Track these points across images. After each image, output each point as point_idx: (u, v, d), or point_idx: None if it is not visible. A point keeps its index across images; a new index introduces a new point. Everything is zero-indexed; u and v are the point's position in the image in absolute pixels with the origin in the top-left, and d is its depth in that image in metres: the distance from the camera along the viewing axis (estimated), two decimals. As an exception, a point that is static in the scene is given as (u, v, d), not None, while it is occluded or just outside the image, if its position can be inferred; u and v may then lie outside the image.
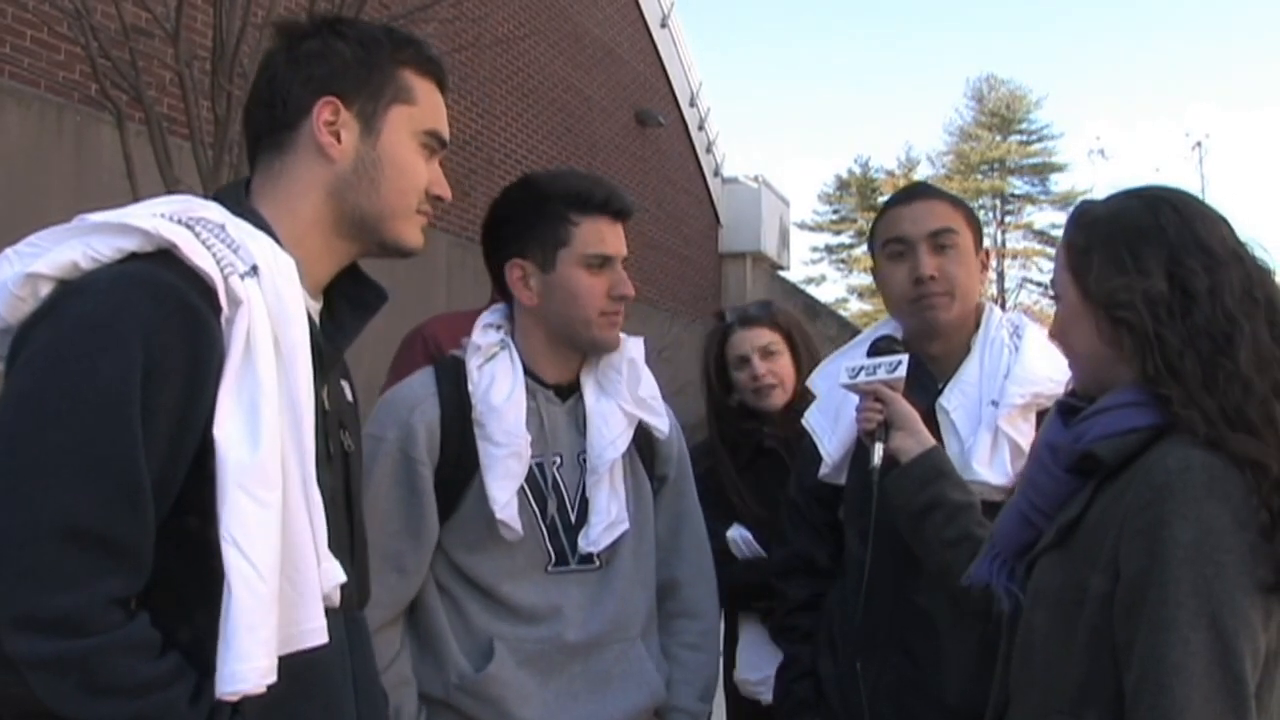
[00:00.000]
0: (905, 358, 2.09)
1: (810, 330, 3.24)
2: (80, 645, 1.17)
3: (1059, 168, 40.31)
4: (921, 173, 39.65)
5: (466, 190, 8.43)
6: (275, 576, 1.27)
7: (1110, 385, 1.55)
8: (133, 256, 1.30)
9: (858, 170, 42.08)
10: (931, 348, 2.26)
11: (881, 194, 36.71)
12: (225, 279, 1.30)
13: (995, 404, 2.15)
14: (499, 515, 2.00)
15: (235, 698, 1.24)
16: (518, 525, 2.02)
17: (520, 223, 2.12)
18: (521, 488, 2.05)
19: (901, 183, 29.50)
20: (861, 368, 2.12)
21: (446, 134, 1.60)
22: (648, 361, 2.23)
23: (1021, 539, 1.63)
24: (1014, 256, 39.41)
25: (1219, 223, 1.55)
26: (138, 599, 1.25)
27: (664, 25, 14.37)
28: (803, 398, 2.83)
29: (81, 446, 1.20)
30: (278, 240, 1.42)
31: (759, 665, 2.85)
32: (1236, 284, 1.49)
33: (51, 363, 1.23)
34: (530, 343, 2.15)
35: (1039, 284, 36.62)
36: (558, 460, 2.11)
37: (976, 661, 1.92)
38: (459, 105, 9.55)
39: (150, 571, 1.24)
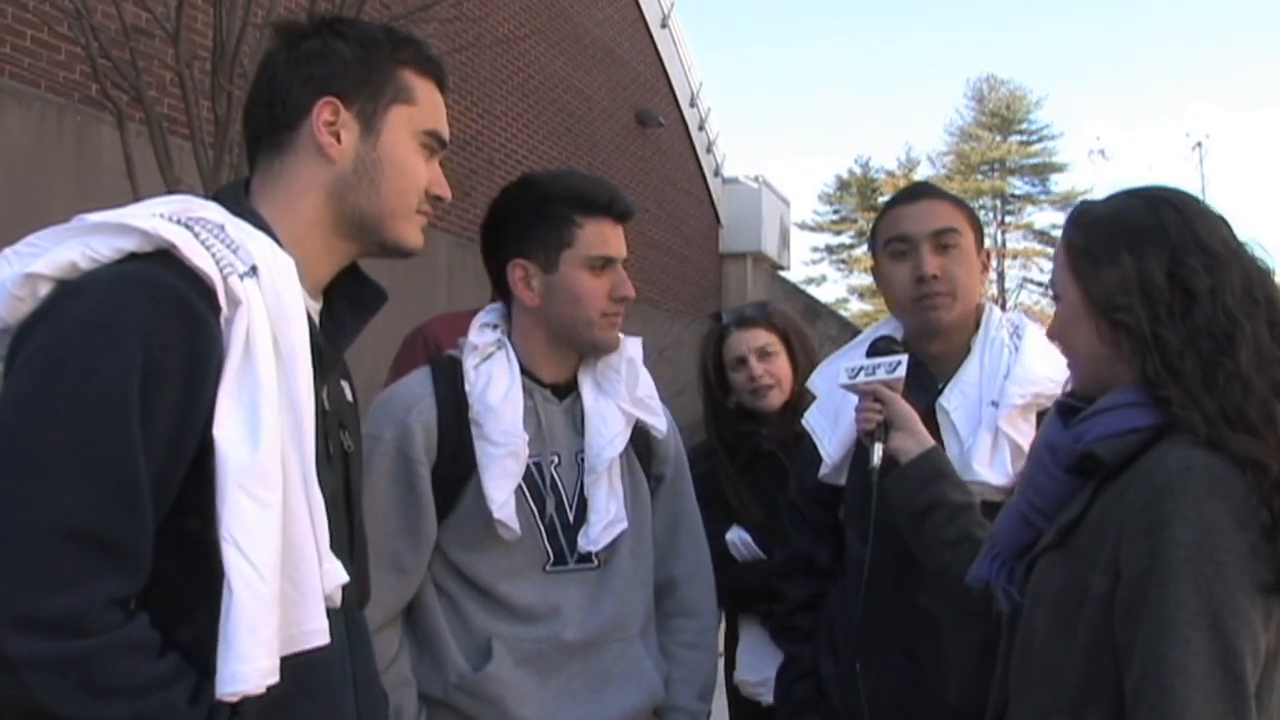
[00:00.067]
0: (904, 358, 2.09)
1: (811, 331, 3.24)
2: (80, 646, 1.17)
3: (1059, 168, 40.36)
4: (922, 173, 39.69)
5: (467, 190, 8.43)
6: (276, 577, 1.27)
7: (1110, 386, 1.55)
8: (132, 257, 1.30)
9: (858, 170, 42.14)
10: (932, 347, 2.25)
11: (882, 194, 36.73)
12: (224, 279, 1.30)
13: (995, 404, 2.15)
14: (497, 515, 2.00)
15: (235, 698, 1.24)
16: (515, 525, 2.02)
17: (522, 223, 2.12)
18: (519, 487, 2.05)
19: (902, 183, 29.54)
20: (861, 368, 2.12)
21: (446, 134, 1.60)
22: (648, 362, 2.23)
23: (1021, 539, 1.63)
24: (1014, 257, 39.45)
25: (1219, 223, 1.55)
26: (137, 599, 1.24)
27: (664, 25, 14.37)
28: (800, 398, 2.84)
29: (81, 447, 1.20)
30: (277, 240, 1.42)
31: (759, 667, 2.86)
32: (1237, 283, 1.49)
33: (50, 363, 1.23)
34: (529, 342, 2.14)
35: (1039, 284, 36.66)
36: (555, 459, 2.11)
37: (977, 662, 1.91)
38: (459, 105, 9.55)
39: (149, 572, 1.24)
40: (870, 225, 2.47)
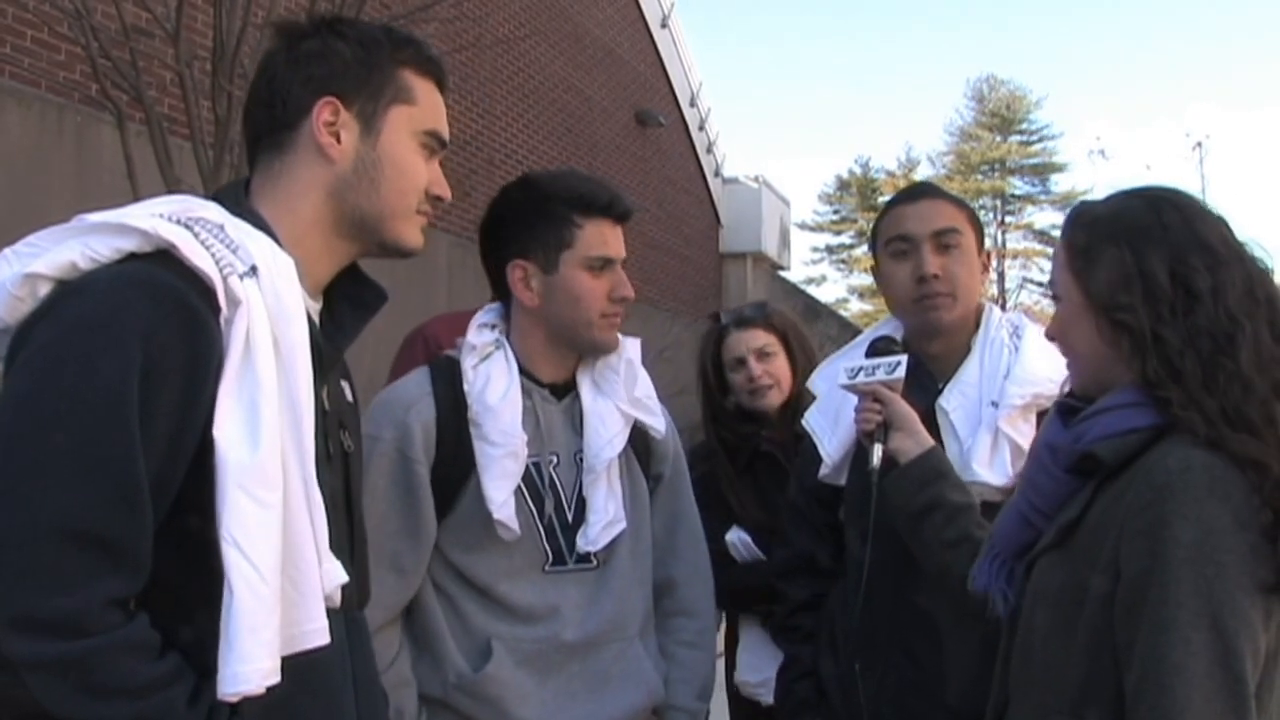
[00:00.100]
0: (904, 358, 2.09)
1: (811, 331, 3.25)
2: (79, 646, 1.17)
3: (1059, 168, 40.38)
4: (922, 173, 39.72)
5: (467, 190, 8.43)
6: (277, 577, 1.27)
7: (1110, 385, 1.55)
8: (131, 257, 1.30)
9: (858, 170, 42.16)
10: (932, 347, 2.25)
11: (882, 194, 36.74)
12: (224, 279, 1.30)
13: (995, 405, 2.15)
14: (496, 515, 2.00)
15: (236, 698, 1.24)
16: (515, 525, 2.02)
17: (522, 223, 2.12)
18: (518, 487, 2.05)
19: (902, 183, 29.56)
20: (860, 368, 2.12)
21: (446, 134, 1.59)
22: (649, 361, 2.23)
23: (1021, 539, 1.63)
24: (1014, 257, 39.46)
25: (1219, 223, 1.56)
26: (137, 600, 1.24)
27: (664, 25, 14.37)
28: (799, 399, 2.84)
29: (80, 447, 1.20)
30: (277, 240, 1.42)
31: (759, 667, 2.86)
32: (1238, 283, 1.49)
33: (50, 363, 1.23)
34: (528, 342, 2.14)
35: (1039, 284, 36.64)
36: (554, 460, 2.11)
37: (977, 662, 1.91)
38: (459, 105, 9.55)
39: (149, 572, 1.24)
40: (870, 225, 2.46)
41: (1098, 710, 1.45)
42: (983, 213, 35.99)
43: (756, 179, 16.52)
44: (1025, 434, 2.10)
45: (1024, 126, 40.72)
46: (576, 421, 2.14)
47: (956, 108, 59.22)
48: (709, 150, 15.69)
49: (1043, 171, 40.58)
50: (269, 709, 1.27)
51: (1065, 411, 1.62)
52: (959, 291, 2.20)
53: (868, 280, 34.43)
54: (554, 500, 2.10)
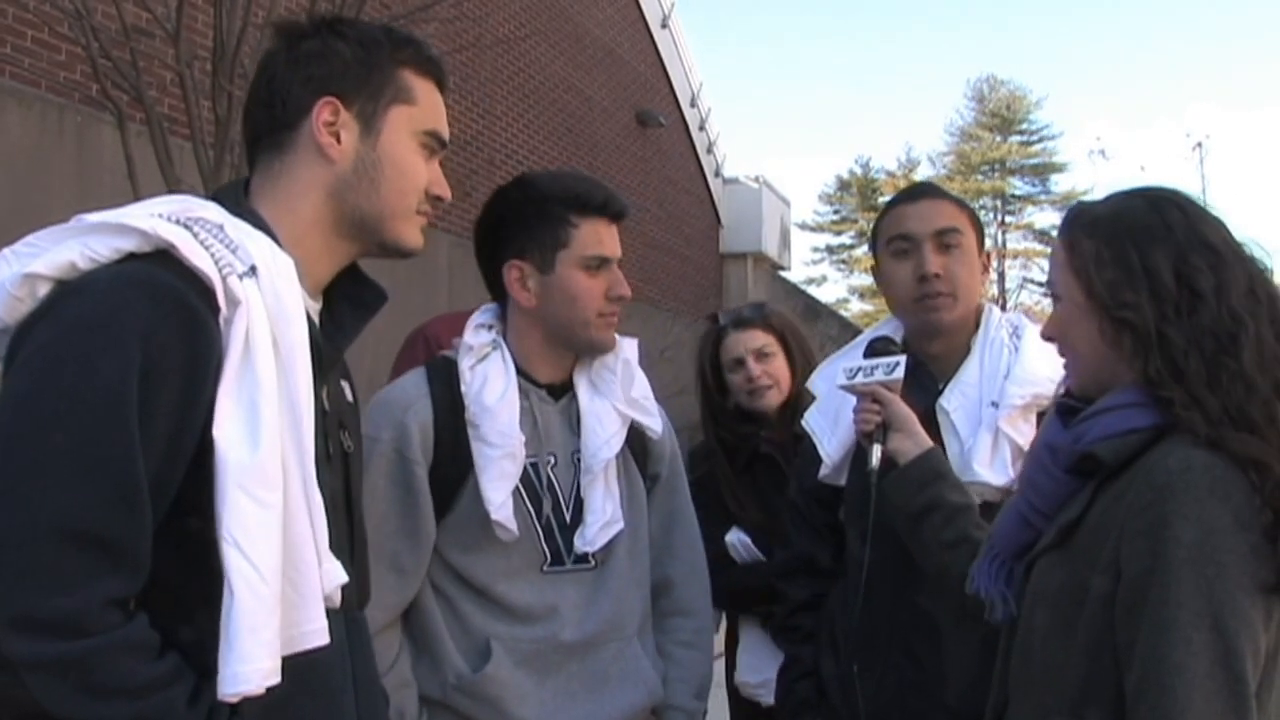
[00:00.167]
0: (902, 359, 2.08)
1: (811, 331, 3.26)
2: (79, 646, 1.17)
3: (1059, 168, 40.38)
4: (922, 173, 39.73)
5: (468, 191, 8.42)
6: (277, 577, 1.27)
7: (1109, 386, 1.55)
8: (131, 257, 1.30)
9: (858, 170, 42.16)
10: (931, 347, 2.25)
11: (882, 194, 36.75)
12: (223, 279, 1.30)
13: (995, 405, 2.14)
14: (494, 516, 2.00)
15: (236, 699, 1.24)
16: (513, 525, 2.02)
17: (518, 224, 2.12)
18: (516, 488, 2.05)
19: (902, 183, 29.56)
20: (859, 369, 2.11)
21: (446, 134, 1.59)
22: (650, 361, 2.23)
23: (1020, 540, 1.62)
24: (1014, 257, 39.46)
25: (1219, 223, 1.56)
26: (137, 600, 1.24)
27: (664, 26, 14.38)
28: (798, 399, 2.84)
29: (80, 447, 1.20)
30: (277, 240, 1.42)
31: (759, 668, 2.86)
32: (1241, 282, 1.49)
33: (49, 363, 1.23)
34: (524, 343, 2.14)
35: (1039, 284, 36.63)
36: (552, 460, 2.11)
37: (977, 662, 1.91)
38: (459, 106, 9.55)
39: (148, 572, 1.24)
40: (870, 225, 2.46)
41: (1098, 710, 1.45)
42: (983, 213, 36.01)
43: (757, 179, 16.52)
44: (1025, 434, 2.10)
45: (1024, 127, 40.74)
46: (574, 422, 2.14)
47: (956, 108, 59.34)
48: (709, 150, 15.69)
49: (1043, 172, 40.59)
50: (269, 709, 1.27)
51: (1065, 412, 1.61)
52: (960, 291, 2.20)
53: (868, 280, 34.43)
54: (552, 501, 2.10)
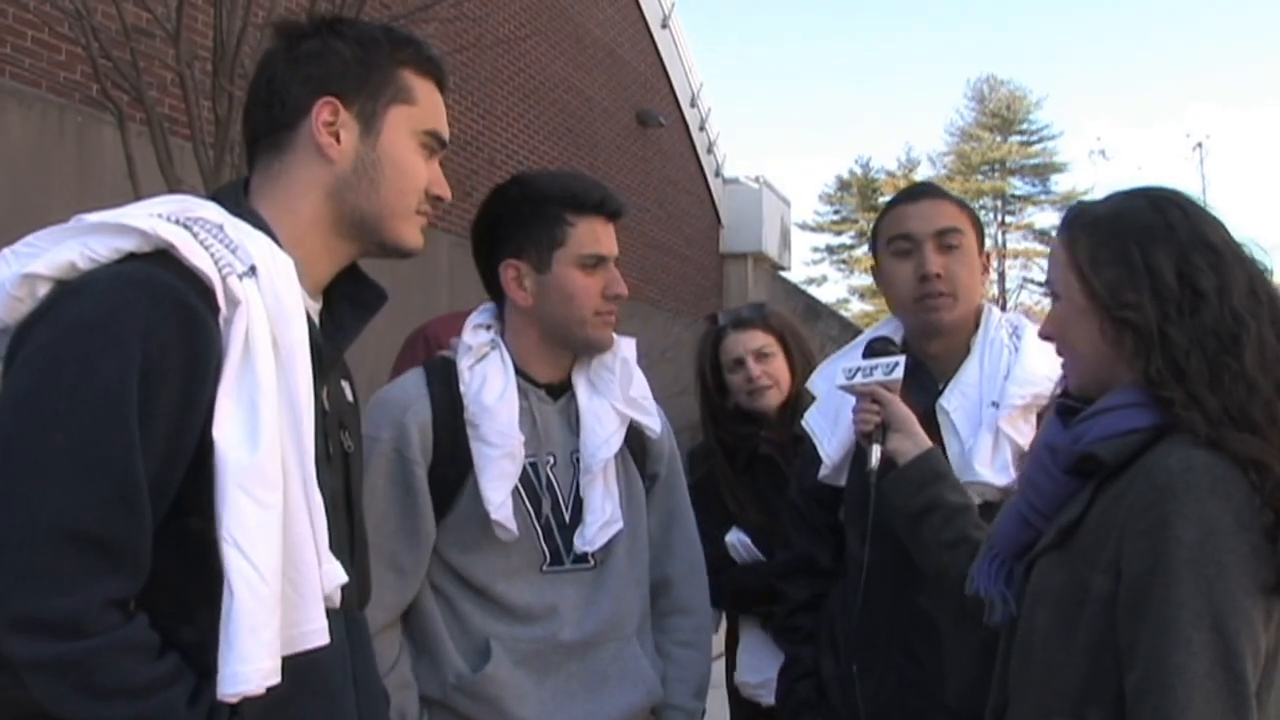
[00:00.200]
0: (902, 359, 2.08)
1: (811, 331, 3.26)
2: (79, 646, 1.17)
3: (1059, 168, 40.38)
4: (922, 173, 39.74)
5: (468, 190, 8.41)
6: (277, 578, 1.26)
7: (1109, 385, 1.55)
8: (130, 257, 1.30)
9: (858, 171, 42.17)
10: (931, 347, 2.25)
11: (882, 194, 36.75)
12: (223, 279, 1.30)
13: (995, 405, 2.14)
14: (494, 516, 2.00)
15: (236, 699, 1.24)
16: (513, 525, 2.02)
17: (515, 223, 2.12)
18: (516, 488, 2.05)
19: (902, 183, 29.55)
20: (858, 369, 2.11)
21: (446, 134, 1.59)
22: (651, 361, 2.23)
23: (1020, 540, 1.62)
24: (1014, 257, 39.46)
25: (1219, 223, 1.56)
26: (137, 600, 1.24)
27: (665, 26, 14.38)
28: (798, 399, 2.84)
29: (79, 447, 1.20)
30: (277, 240, 1.42)
31: (759, 668, 2.86)
32: (1242, 282, 1.49)
33: (49, 363, 1.23)
34: (522, 342, 2.14)
35: (1039, 284, 36.59)
36: (551, 460, 2.11)
37: (977, 662, 1.91)
38: (460, 106, 9.55)
39: (148, 572, 1.24)
40: (871, 225, 2.46)
41: (1098, 710, 1.45)
42: (983, 213, 36.04)
43: (757, 179, 16.52)
44: (1026, 434, 2.10)
45: (1024, 127, 40.74)
46: (573, 421, 2.14)
47: (957, 108, 59.33)
48: (709, 150, 15.69)
49: (1043, 172, 40.60)
50: (269, 709, 1.27)
51: (1064, 412, 1.61)
52: (960, 291, 2.20)
53: (868, 280, 34.41)
54: (551, 500, 2.10)
